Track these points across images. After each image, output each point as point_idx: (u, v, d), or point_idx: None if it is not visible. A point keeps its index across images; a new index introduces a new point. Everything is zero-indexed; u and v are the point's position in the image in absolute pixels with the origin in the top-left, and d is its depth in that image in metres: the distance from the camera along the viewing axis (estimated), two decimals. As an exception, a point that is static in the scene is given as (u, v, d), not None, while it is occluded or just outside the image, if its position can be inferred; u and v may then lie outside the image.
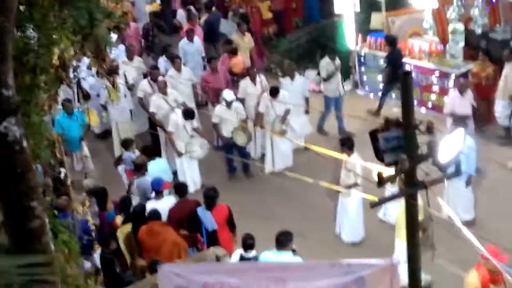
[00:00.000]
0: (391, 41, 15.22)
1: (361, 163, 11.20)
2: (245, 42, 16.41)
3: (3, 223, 5.38)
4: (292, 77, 14.50)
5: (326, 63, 14.79)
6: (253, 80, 14.25)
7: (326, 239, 12.05)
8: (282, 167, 13.84)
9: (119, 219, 10.80)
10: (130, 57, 15.44)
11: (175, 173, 13.82)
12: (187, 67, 15.39)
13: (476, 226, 11.56)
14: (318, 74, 17.21)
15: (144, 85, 14.42)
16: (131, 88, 14.88)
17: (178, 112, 13.21)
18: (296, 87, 14.45)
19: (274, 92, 13.56)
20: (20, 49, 5.71)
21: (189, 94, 14.81)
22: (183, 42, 16.52)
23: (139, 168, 11.91)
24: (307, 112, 14.55)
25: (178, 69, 14.71)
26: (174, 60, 14.87)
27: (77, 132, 13.38)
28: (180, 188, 11.09)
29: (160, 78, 14.05)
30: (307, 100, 14.63)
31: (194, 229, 10.56)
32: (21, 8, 5.55)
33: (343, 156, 11.28)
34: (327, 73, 14.66)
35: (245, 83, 14.32)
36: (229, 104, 13.40)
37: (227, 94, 13.43)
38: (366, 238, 12.01)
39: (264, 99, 13.68)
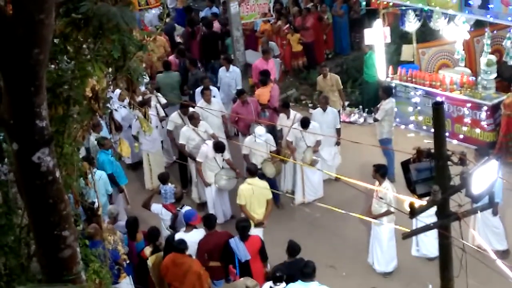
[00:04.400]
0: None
1: (392, 191, 11.17)
2: (327, 84, 15.93)
3: (35, 252, 5.42)
4: (324, 109, 14.47)
5: (390, 102, 14.25)
6: (286, 114, 14.23)
7: (357, 270, 11.93)
8: (312, 198, 13.81)
9: (147, 250, 10.81)
10: (149, 92, 15.60)
11: (204, 204, 13.83)
12: (217, 98, 15.49)
13: (510, 257, 11.41)
14: (348, 106, 17.25)
15: (174, 117, 14.51)
16: (162, 119, 15.01)
17: (209, 143, 13.23)
18: (327, 118, 14.40)
19: (304, 123, 13.54)
20: (54, 81, 5.79)
21: (218, 125, 14.87)
22: (221, 70, 16.88)
23: (180, 200, 12.06)
24: (338, 143, 14.52)
25: (208, 101, 14.80)
26: (204, 91, 14.95)
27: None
28: (208, 220, 11.07)
29: (193, 111, 14.11)
30: (338, 131, 14.58)
31: (227, 260, 10.56)
32: (56, 41, 5.64)
33: (374, 187, 11.24)
34: (386, 113, 14.15)
35: (282, 116, 14.33)
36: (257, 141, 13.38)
37: (259, 132, 13.35)
38: (399, 270, 11.86)
39: (294, 130, 13.66)
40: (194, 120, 13.76)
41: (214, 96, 15.45)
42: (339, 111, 15.60)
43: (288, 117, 14.15)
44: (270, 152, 13.41)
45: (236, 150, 14.35)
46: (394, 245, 11.68)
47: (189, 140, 13.78)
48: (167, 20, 20.50)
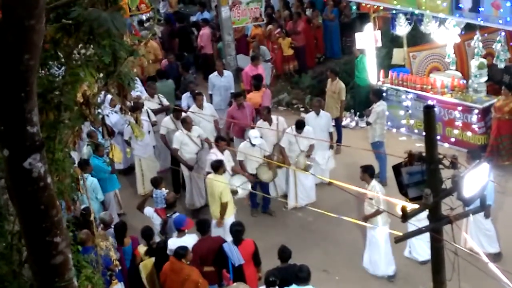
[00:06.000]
0: None
1: (380, 190, 11.19)
2: (331, 89, 15.81)
3: (27, 259, 5.40)
4: (317, 112, 14.39)
5: (381, 104, 14.31)
6: (268, 121, 13.96)
7: (350, 275, 11.92)
8: (305, 203, 13.76)
9: (142, 248, 10.79)
10: (150, 95, 15.58)
11: (197, 210, 13.78)
12: (209, 103, 15.46)
13: (503, 260, 11.42)
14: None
15: (167, 122, 14.47)
16: (154, 124, 14.98)
17: (216, 152, 13.00)
18: (321, 122, 14.33)
19: (299, 125, 13.44)
20: (45, 87, 5.77)
21: (211, 130, 14.82)
22: (213, 75, 16.76)
23: (172, 206, 11.90)
24: (331, 147, 14.50)
25: (200, 106, 14.74)
26: (196, 96, 14.90)
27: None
28: (202, 225, 11.05)
29: (186, 115, 14.06)
30: (331, 135, 14.54)
31: (221, 264, 10.53)
32: (46, 46, 5.62)
33: (365, 190, 11.21)
34: (378, 116, 14.15)
35: (261, 123, 14.04)
36: (253, 144, 13.23)
37: (253, 134, 13.25)
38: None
39: (287, 135, 13.58)
40: (186, 124, 13.71)
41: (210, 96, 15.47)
42: (337, 119, 15.61)
43: (270, 124, 13.94)
44: (265, 156, 13.32)
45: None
46: (390, 247, 11.67)
47: (182, 145, 13.70)
48: (158, 25, 20.67)
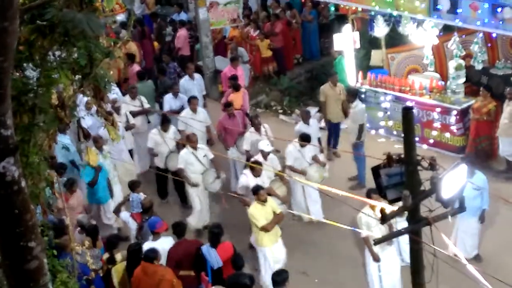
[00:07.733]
0: None
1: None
2: (336, 93, 15.37)
3: (1, 264, 5.31)
4: (307, 123, 14.02)
5: (358, 104, 14.28)
6: (257, 130, 13.71)
7: (329, 278, 11.91)
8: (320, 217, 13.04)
9: (105, 256, 10.69)
10: (132, 97, 15.41)
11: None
12: (202, 108, 15.16)
13: (483, 263, 11.45)
14: (319, 111, 17.14)
15: (154, 135, 14.08)
16: (131, 127, 14.81)
17: (248, 174, 12.39)
18: (311, 130, 13.84)
19: (305, 138, 12.94)
20: (19, 89, 5.70)
21: (202, 136, 14.43)
22: (184, 80, 16.54)
23: (148, 210, 11.68)
24: (321, 151, 14.01)
25: (194, 110, 14.48)
26: (191, 100, 14.58)
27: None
28: (178, 228, 10.94)
29: (192, 133, 13.54)
30: (319, 140, 14.29)
31: (199, 267, 10.44)
32: (20, 48, 5.54)
33: (350, 195, 11.02)
34: (358, 115, 14.09)
35: (253, 131, 13.72)
36: (265, 156, 12.68)
37: (265, 145, 12.71)
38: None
39: (291, 153, 13.10)
40: (192, 143, 13.10)
41: (183, 105, 15.26)
42: (338, 123, 15.56)
43: (259, 132, 13.64)
44: (279, 171, 12.69)
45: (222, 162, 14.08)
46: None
47: (187, 164, 13.11)
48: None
